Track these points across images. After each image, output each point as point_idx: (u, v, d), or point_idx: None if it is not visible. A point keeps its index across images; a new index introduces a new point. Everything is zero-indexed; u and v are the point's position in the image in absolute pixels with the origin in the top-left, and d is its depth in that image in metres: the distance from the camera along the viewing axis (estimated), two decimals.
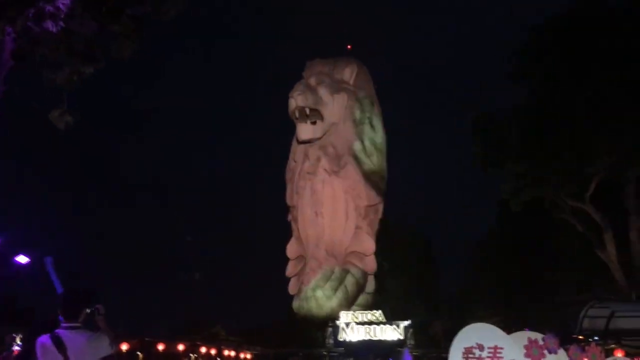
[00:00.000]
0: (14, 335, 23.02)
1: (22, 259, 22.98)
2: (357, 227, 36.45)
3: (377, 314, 31.33)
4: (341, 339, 30.07)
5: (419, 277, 43.74)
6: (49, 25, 10.05)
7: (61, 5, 9.81)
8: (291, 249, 37.21)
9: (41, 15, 9.93)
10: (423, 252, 45.80)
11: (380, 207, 38.20)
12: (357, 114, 37.99)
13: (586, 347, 8.39)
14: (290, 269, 37.11)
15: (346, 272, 35.75)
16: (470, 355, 8.25)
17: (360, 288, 36.03)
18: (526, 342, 8.29)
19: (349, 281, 35.60)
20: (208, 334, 38.20)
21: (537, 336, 8.43)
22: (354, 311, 32.37)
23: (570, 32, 23.42)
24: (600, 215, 24.80)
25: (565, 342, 9.01)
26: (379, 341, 29.74)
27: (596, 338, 19.64)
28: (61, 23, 10.21)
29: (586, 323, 21.92)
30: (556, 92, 23.51)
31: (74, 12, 10.80)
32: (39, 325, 5.52)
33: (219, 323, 42.37)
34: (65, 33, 11.13)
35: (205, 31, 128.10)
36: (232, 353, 32.44)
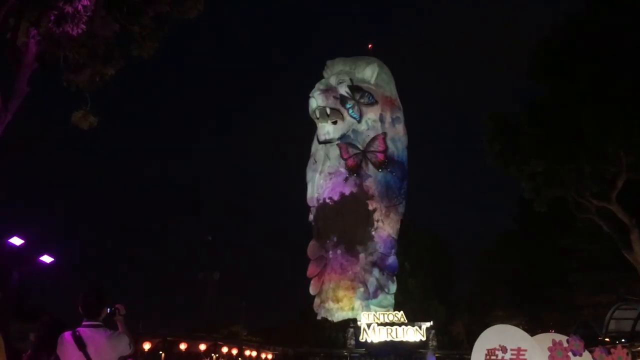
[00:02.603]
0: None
1: (46, 258, 23.33)
2: (379, 228, 36.36)
3: (399, 315, 31.19)
4: (362, 340, 29.99)
5: (437, 277, 43.50)
6: (69, 28, 10.12)
7: (81, 7, 9.88)
8: (312, 250, 37.22)
9: (63, 18, 10.01)
10: (441, 252, 45.56)
11: (402, 207, 38.05)
12: (378, 113, 37.91)
13: (612, 350, 8.21)
14: (311, 270, 37.14)
15: (368, 272, 35.69)
16: (493, 357, 8.13)
17: (381, 288, 35.94)
18: (550, 344, 8.15)
19: (371, 282, 35.53)
20: (228, 332, 38.36)
21: (562, 338, 8.28)
22: (375, 312, 32.28)
23: (588, 31, 23.13)
24: (627, 216, 24.30)
25: (590, 344, 8.84)
26: (401, 342, 29.60)
27: (623, 340, 19.33)
28: (82, 26, 10.29)
29: (612, 325, 21.58)
30: (573, 90, 23.22)
31: (95, 14, 10.90)
32: (51, 324, 5.58)
33: (237, 322, 42.57)
34: (87, 35, 11.23)
35: (216, 35, 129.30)
36: (254, 353, 32.52)
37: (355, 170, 36.55)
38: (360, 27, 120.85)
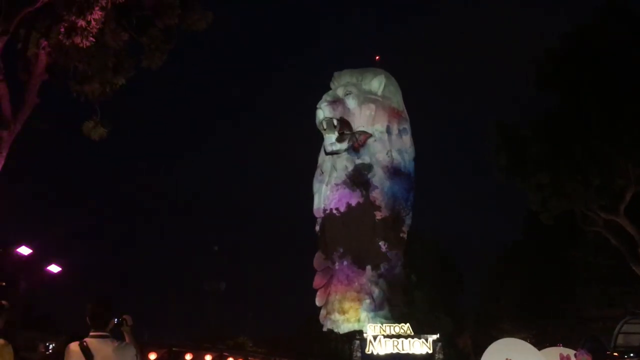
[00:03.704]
0: (47, 343, 23.51)
1: (54, 268, 23.43)
2: (385, 239, 36.27)
3: (405, 327, 31.00)
4: (368, 352, 29.81)
5: (443, 289, 43.26)
6: (79, 40, 10.23)
7: (92, 21, 9.99)
8: (318, 261, 37.16)
9: (73, 30, 10.12)
10: (447, 263, 45.34)
11: (408, 219, 37.99)
12: (385, 124, 37.95)
13: None
14: (317, 281, 37.06)
15: (374, 284, 35.56)
16: None
17: (387, 300, 35.79)
18: (557, 358, 8.11)
19: (377, 293, 35.40)
20: (234, 344, 38.25)
21: (569, 352, 8.24)
22: (382, 324, 32.10)
23: (596, 41, 23.06)
24: (635, 229, 24.13)
25: (598, 358, 8.79)
26: (407, 355, 29.40)
27: (631, 355, 19.14)
28: (92, 38, 10.38)
29: (620, 339, 21.36)
30: (580, 102, 23.11)
31: (105, 26, 11.01)
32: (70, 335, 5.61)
33: (242, 333, 42.49)
34: (98, 46, 11.34)
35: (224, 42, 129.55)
36: None
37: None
38: (361, 27, 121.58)
